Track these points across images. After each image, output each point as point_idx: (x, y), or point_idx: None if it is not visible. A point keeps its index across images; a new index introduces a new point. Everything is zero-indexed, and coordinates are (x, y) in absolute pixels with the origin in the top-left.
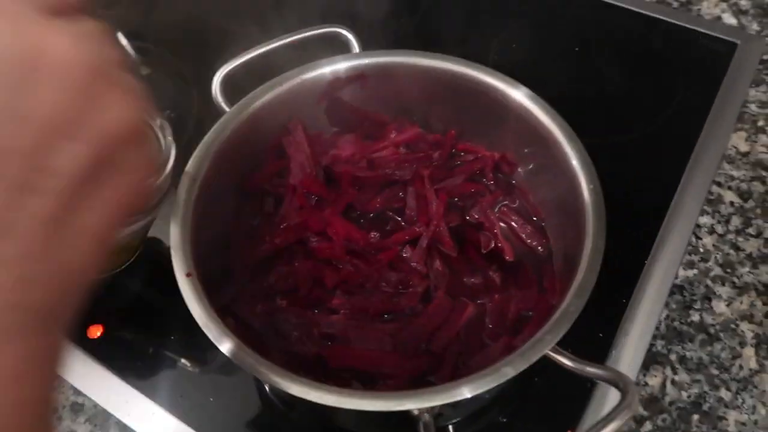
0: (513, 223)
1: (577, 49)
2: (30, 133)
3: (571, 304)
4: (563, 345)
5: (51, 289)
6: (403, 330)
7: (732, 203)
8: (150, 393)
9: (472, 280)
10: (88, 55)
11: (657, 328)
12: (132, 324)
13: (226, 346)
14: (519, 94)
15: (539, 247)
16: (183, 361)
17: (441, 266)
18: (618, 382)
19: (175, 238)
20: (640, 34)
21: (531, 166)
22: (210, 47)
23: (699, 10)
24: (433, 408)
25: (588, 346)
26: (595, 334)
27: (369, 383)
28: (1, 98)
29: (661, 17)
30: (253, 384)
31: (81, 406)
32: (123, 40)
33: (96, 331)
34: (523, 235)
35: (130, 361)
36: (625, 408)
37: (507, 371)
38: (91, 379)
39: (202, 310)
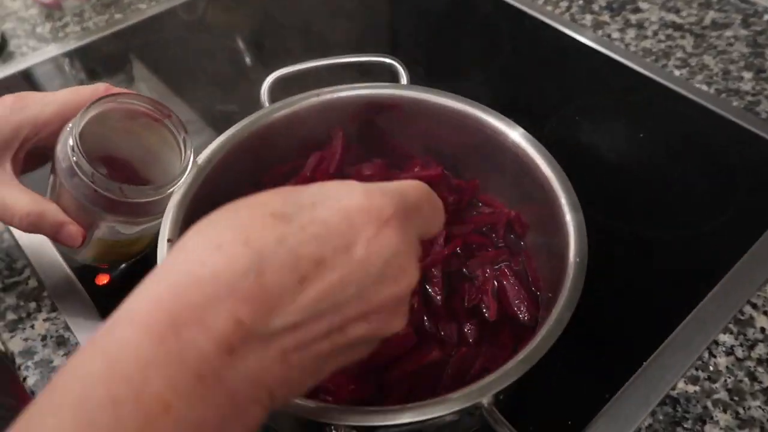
0: (507, 285)
1: (641, 135)
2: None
3: (514, 366)
4: (525, 418)
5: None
6: None
7: (763, 330)
8: None
9: (448, 328)
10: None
11: None
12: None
13: None
14: (544, 164)
15: (527, 315)
16: None
17: (418, 304)
18: None
19: (171, 205)
20: (717, 138)
21: (538, 233)
22: (285, 58)
23: None
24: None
25: (553, 429)
26: (564, 419)
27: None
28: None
29: (746, 126)
30: None
31: (65, 340)
32: (237, 40)
33: (103, 279)
34: (515, 300)
35: None
36: None
37: (429, 411)
38: (84, 321)
39: None
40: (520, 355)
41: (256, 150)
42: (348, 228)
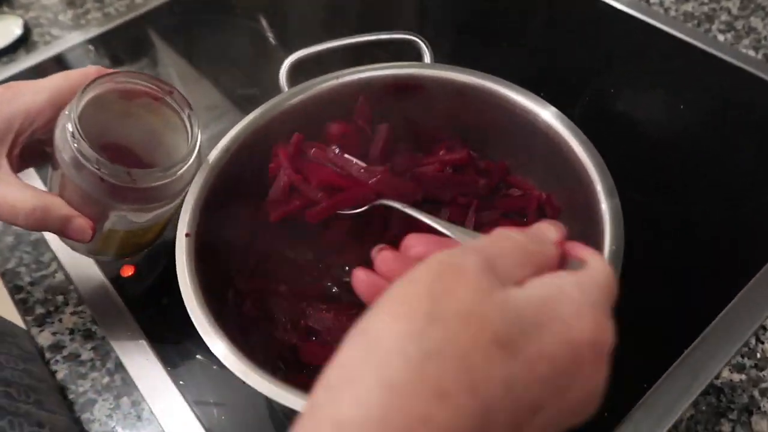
0: None
1: (682, 106)
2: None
3: None
4: None
5: None
6: None
7: None
8: (152, 340)
9: None
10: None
11: (675, 428)
12: (160, 273)
13: (194, 312)
14: (577, 146)
15: None
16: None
17: None
18: None
19: (188, 199)
20: (764, 106)
21: (570, 218)
22: (309, 37)
23: None
24: None
25: (588, 423)
26: (600, 412)
27: None
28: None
29: None
30: None
31: (93, 333)
32: (261, 20)
33: (128, 270)
34: None
35: (147, 306)
36: None
37: None
38: (109, 314)
39: (187, 273)
40: None
41: (274, 137)
42: (574, 367)
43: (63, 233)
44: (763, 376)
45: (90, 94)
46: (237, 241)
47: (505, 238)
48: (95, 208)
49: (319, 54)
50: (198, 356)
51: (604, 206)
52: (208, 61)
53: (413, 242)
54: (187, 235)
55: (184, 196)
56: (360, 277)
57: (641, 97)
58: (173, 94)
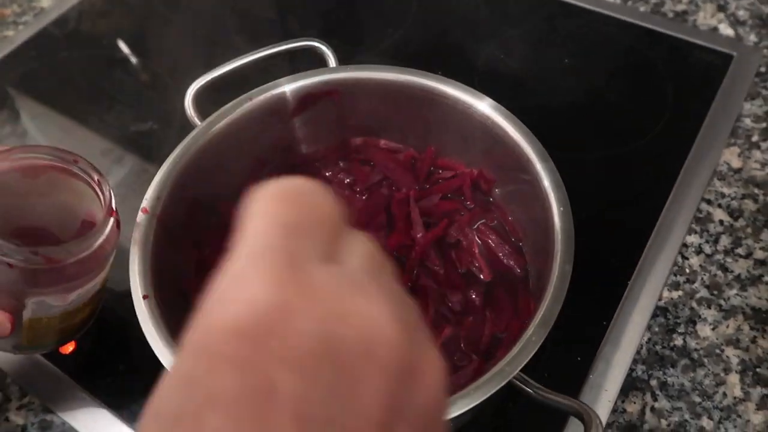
0: (490, 242)
1: (566, 60)
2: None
3: (533, 333)
4: (539, 369)
5: None
6: None
7: (721, 222)
8: (118, 411)
9: (454, 297)
10: (405, 334)
11: (638, 352)
12: (102, 341)
13: None
14: (484, 106)
15: (516, 268)
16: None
17: (429, 282)
18: (581, 413)
19: (133, 260)
20: (632, 45)
21: (506, 185)
22: (194, 58)
23: (695, 20)
24: None
25: (566, 370)
26: (573, 357)
27: None
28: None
29: (655, 28)
30: None
31: (50, 423)
32: (125, 49)
33: (68, 347)
34: (500, 255)
35: (100, 378)
36: None
37: (463, 404)
38: (62, 397)
39: (158, 337)
40: (536, 319)
41: (204, 172)
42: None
43: None
44: (696, 287)
45: None
46: (196, 283)
47: None
48: (8, 299)
49: (225, 78)
50: None
51: (539, 167)
52: (83, 102)
53: None
54: (144, 297)
55: (109, 267)
56: None
57: (529, 57)
58: (78, 162)
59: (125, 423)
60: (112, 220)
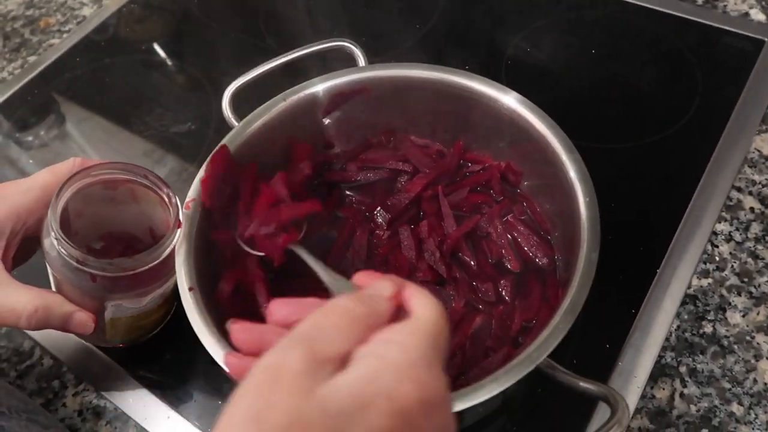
0: (519, 234)
1: (593, 51)
2: None
3: (561, 320)
4: (568, 356)
5: None
6: None
7: (752, 209)
8: (164, 396)
9: (485, 287)
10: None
11: (667, 339)
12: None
13: (221, 358)
14: (510, 100)
15: (544, 259)
16: (198, 367)
17: (460, 273)
18: (608, 398)
19: (180, 255)
20: (660, 33)
21: (534, 177)
22: (229, 60)
23: (725, 6)
24: None
25: (594, 357)
26: (602, 344)
27: None
28: None
29: (683, 15)
30: None
31: (103, 408)
32: (162, 53)
33: None
34: (529, 246)
35: (148, 366)
36: (614, 424)
37: (491, 388)
38: (113, 383)
39: (202, 324)
40: (563, 307)
41: (239, 170)
42: (410, 430)
43: (65, 329)
44: (726, 275)
45: (66, 196)
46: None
47: (331, 311)
48: (93, 301)
49: (259, 80)
50: (220, 402)
51: (565, 158)
52: (124, 106)
53: (274, 308)
54: (190, 289)
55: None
56: (231, 362)
57: (556, 48)
58: (148, 177)
59: (171, 407)
60: (179, 231)
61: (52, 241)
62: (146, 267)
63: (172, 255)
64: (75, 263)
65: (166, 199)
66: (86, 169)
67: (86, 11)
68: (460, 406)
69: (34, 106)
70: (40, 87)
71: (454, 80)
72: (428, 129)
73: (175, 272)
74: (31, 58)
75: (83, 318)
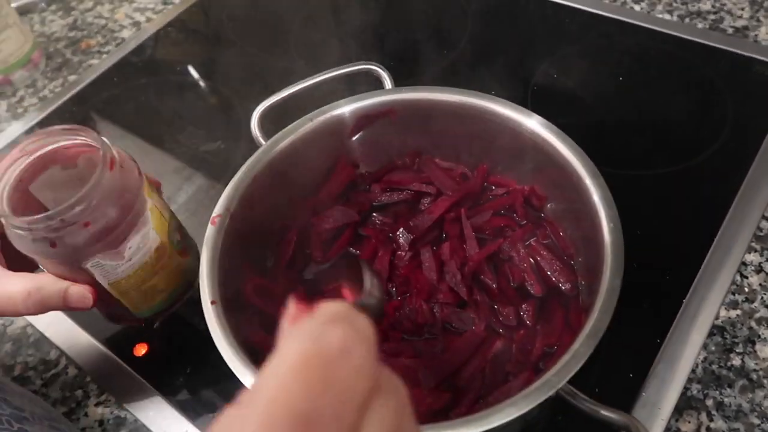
0: (542, 258)
1: (621, 78)
2: None
3: (582, 345)
4: (591, 384)
5: None
6: (428, 363)
7: None
8: (184, 409)
9: (506, 311)
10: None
11: (693, 371)
12: (173, 344)
13: (241, 373)
14: (534, 123)
15: (567, 284)
16: (219, 381)
17: (481, 296)
18: (630, 428)
19: (203, 267)
20: (690, 62)
21: (558, 201)
22: (259, 82)
23: (756, 36)
24: None
25: (618, 386)
26: (626, 374)
27: None
28: None
29: (713, 44)
30: None
31: (123, 420)
32: (195, 74)
33: (141, 350)
34: (552, 271)
35: (169, 378)
36: None
37: (510, 412)
38: (135, 395)
39: (223, 339)
40: (585, 332)
41: (268, 188)
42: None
43: (67, 306)
44: (755, 307)
45: (7, 175)
46: (258, 293)
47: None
48: (74, 271)
49: (288, 101)
50: None
51: (589, 182)
52: (158, 124)
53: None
54: (213, 302)
55: (158, 220)
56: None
57: (581, 77)
58: (83, 132)
59: (190, 421)
60: (108, 172)
61: (1, 221)
62: (80, 208)
63: (121, 196)
64: (23, 232)
65: (93, 143)
66: (17, 146)
67: (125, 33)
68: (477, 429)
69: (71, 123)
70: (78, 105)
71: (479, 103)
72: (453, 152)
73: (141, 215)
74: (72, 77)
75: (79, 290)
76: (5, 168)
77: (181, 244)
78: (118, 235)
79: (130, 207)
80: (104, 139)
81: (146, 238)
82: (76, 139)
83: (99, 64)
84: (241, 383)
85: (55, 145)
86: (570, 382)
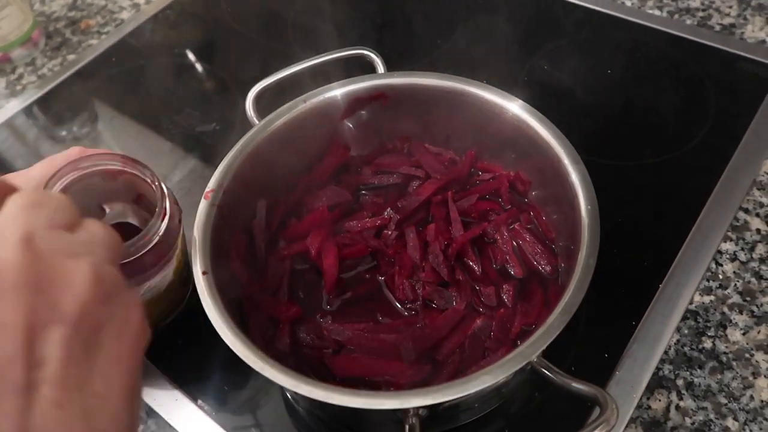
0: (524, 242)
1: (609, 71)
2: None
3: (556, 319)
4: (567, 363)
5: None
6: (409, 338)
7: (758, 230)
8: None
9: (487, 291)
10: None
11: (666, 353)
12: (181, 328)
13: (232, 342)
14: (515, 107)
15: (547, 266)
16: (213, 356)
17: (463, 277)
18: (598, 398)
19: (196, 240)
20: (677, 57)
21: (542, 187)
22: (255, 65)
23: (742, 33)
24: (416, 410)
25: (593, 365)
26: (601, 353)
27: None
28: None
29: (701, 41)
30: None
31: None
32: (192, 57)
33: None
34: (533, 254)
35: (178, 363)
36: (602, 422)
37: (485, 380)
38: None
39: (213, 307)
40: (559, 308)
41: (261, 165)
42: None
43: None
44: (728, 293)
45: (57, 187)
46: (251, 266)
47: None
48: None
49: (282, 83)
50: (225, 387)
51: (571, 169)
52: (155, 105)
53: None
54: (204, 273)
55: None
56: None
57: (570, 69)
58: (137, 165)
59: (184, 393)
60: (162, 223)
61: None
62: (130, 258)
63: (160, 244)
64: None
65: (155, 189)
66: (75, 161)
67: (125, 15)
68: (454, 395)
69: (69, 102)
70: (76, 84)
71: (465, 89)
72: (442, 137)
73: (169, 261)
74: (71, 57)
75: None
76: (56, 179)
77: (184, 273)
78: (144, 277)
79: (163, 255)
80: (164, 186)
81: (164, 280)
82: (134, 171)
83: (97, 45)
84: (239, 358)
85: (107, 168)
86: (549, 360)
